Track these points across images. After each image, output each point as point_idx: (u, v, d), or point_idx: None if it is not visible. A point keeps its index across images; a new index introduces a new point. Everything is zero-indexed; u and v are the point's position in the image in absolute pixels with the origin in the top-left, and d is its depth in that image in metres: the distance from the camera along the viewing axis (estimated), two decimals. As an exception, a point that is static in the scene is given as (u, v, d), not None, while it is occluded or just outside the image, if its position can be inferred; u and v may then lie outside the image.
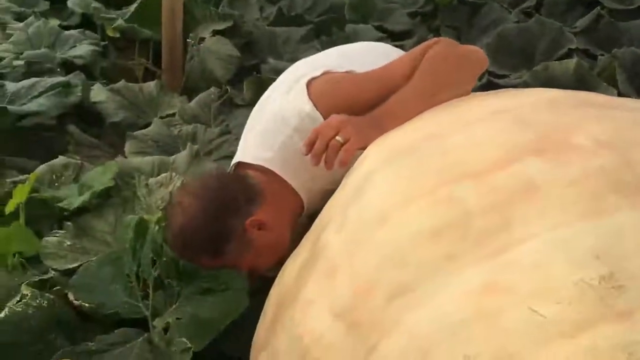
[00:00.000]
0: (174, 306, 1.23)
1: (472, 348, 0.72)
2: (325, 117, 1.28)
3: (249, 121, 1.55)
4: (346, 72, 1.38)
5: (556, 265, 0.74)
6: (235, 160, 1.46)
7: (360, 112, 1.23)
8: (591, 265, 0.72)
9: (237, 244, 1.27)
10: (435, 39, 1.38)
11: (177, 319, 1.17)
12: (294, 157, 1.32)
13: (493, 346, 0.71)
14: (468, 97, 1.17)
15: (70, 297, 1.25)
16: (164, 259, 1.26)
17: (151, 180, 1.83)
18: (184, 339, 1.11)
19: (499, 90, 1.24)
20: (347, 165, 1.13)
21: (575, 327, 0.68)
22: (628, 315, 0.67)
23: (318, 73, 1.37)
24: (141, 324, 1.24)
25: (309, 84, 1.34)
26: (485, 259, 0.77)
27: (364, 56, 1.51)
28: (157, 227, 1.30)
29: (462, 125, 0.96)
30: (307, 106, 1.31)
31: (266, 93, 1.55)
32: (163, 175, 1.86)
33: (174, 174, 1.85)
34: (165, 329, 1.17)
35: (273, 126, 1.37)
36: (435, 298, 0.77)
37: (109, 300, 1.26)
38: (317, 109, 1.30)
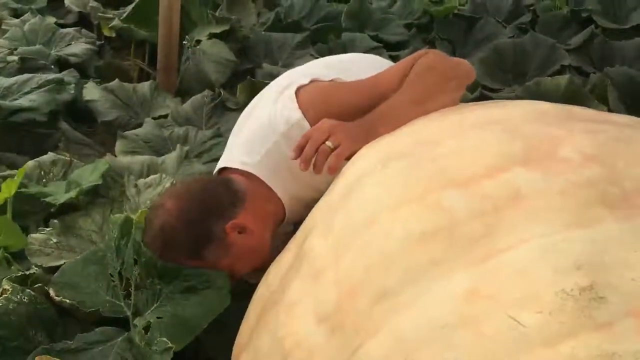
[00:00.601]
0: (154, 305, 1.22)
1: (454, 353, 0.72)
2: (312, 125, 1.27)
3: (235, 126, 1.55)
4: (333, 80, 1.39)
5: (538, 275, 0.74)
6: (220, 164, 1.46)
7: (349, 120, 1.23)
8: (572, 276, 0.73)
9: (217, 247, 1.26)
10: (425, 50, 1.40)
11: (158, 318, 1.16)
12: (280, 164, 1.33)
13: (475, 353, 0.71)
14: (460, 106, 1.17)
15: (52, 293, 1.24)
16: (144, 259, 1.25)
17: (140, 181, 1.82)
18: (165, 339, 1.10)
19: (491, 101, 1.25)
20: (335, 171, 1.12)
21: (556, 337, 0.68)
22: (608, 326, 0.68)
23: (306, 81, 1.38)
24: (122, 323, 1.23)
25: (297, 91, 1.35)
26: (470, 265, 0.77)
27: (352, 66, 1.52)
28: (137, 227, 1.29)
29: (454, 133, 0.97)
30: (296, 114, 1.32)
31: (255, 99, 1.56)
32: (152, 176, 1.86)
33: (163, 175, 1.85)
34: (146, 329, 1.16)
35: (260, 132, 1.37)
36: (420, 302, 0.77)
37: (90, 299, 1.24)
38: (305, 117, 1.31)
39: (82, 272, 1.29)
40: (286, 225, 1.47)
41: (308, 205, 1.37)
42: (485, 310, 0.73)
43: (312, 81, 1.38)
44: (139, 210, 1.36)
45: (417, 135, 1.04)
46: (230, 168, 1.40)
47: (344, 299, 0.85)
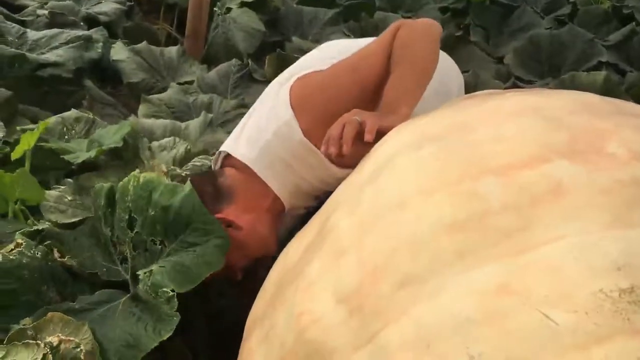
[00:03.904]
0: (157, 262, 1.20)
1: (477, 347, 0.68)
2: (302, 125, 1.29)
3: (252, 107, 1.54)
4: (328, 68, 1.38)
5: (575, 273, 0.70)
6: (226, 147, 1.46)
7: (343, 109, 1.21)
8: (612, 277, 0.68)
9: None
10: (396, 23, 1.38)
11: (161, 267, 1.15)
12: (274, 161, 1.34)
13: (500, 348, 0.68)
14: (499, 91, 1.13)
15: (55, 254, 1.23)
16: (152, 212, 1.22)
17: (154, 144, 1.81)
18: (167, 289, 1.10)
19: (533, 88, 1.20)
20: (371, 140, 1.08)
21: (590, 339, 0.64)
22: (647, 332, 0.64)
23: (303, 73, 1.37)
24: (125, 287, 1.23)
25: (292, 86, 1.34)
26: (502, 257, 0.73)
27: None
28: (136, 184, 1.26)
29: (493, 118, 0.92)
30: (286, 113, 1.31)
31: (271, 83, 1.55)
32: (166, 139, 1.84)
33: (177, 138, 1.83)
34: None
35: (259, 128, 1.37)
36: (446, 292, 0.73)
37: (89, 262, 1.24)
38: (295, 117, 1.30)
39: (75, 243, 1.28)
40: (296, 209, 1.47)
41: (311, 194, 1.37)
42: (515, 305, 0.70)
43: (307, 75, 1.37)
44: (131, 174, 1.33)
45: (453, 118, 0.99)
46: (234, 157, 1.41)
47: (366, 281, 0.81)
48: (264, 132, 1.34)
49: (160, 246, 1.21)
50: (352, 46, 1.51)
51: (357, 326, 0.79)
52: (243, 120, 1.52)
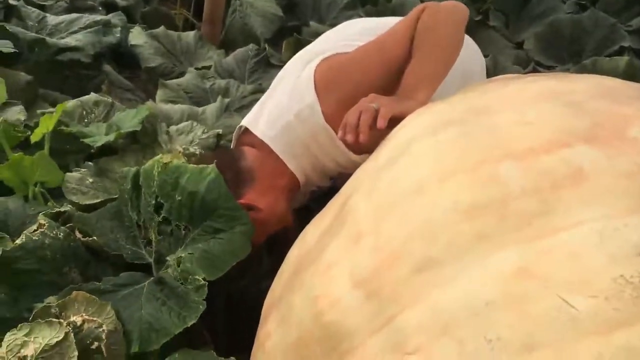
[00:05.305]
0: (179, 249, 1.21)
1: (495, 331, 0.69)
2: (324, 109, 1.30)
3: (272, 84, 1.54)
4: (353, 50, 1.37)
5: (595, 258, 0.69)
6: (246, 123, 1.47)
7: (366, 92, 1.21)
8: (633, 263, 0.68)
9: None
10: (420, 6, 1.36)
11: (190, 253, 1.16)
12: (294, 142, 1.35)
13: (518, 333, 0.68)
14: (519, 76, 1.11)
15: (77, 234, 1.24)
16: (179, 198, 1.21)
17: (172, 128, 1.82)
18: (198, 277, 1.10)
19: (553, 73, 1.18)
20: (384, 127, 1.09)
21: (610, 325, 0.64)
22: (668, 319, 0.63)
23: (328, 54, 1.37)
24: (148, 271, 1.24)
25: (316, 69, 1.34)
26: (520, 242, 0.73)
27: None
28: (160, 170, 1.25)
29: (512, 103, 0.91)
30: (310, 96, 1.31)
31: (292, 60, 1.54)
32: (184, 123, 1.85)
33: (194, 123, 1.84)
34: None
35: (280, 107, 1.38)
36: (464, 277, 0.73)
37: (114, 244, 1.25)
38: (318, 100, 1.31)
39: (97, 224, 1.29)
40: (310, 186, 1.50)
41: (327, 174, 1.38)
42: (534, 289, 0.69)
43: (331, 56, 1.37)
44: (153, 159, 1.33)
45: (472, 103, 0.98)
46: (253, 134, 1.42)
47: (383, 265, 0.81)
48: (285, 112, 1.35)
49: (184, 231, 1.22)
50: (372, 26, 1.50)
51: (373, 310, 0.79)
52: (264, 97, 1.53)
